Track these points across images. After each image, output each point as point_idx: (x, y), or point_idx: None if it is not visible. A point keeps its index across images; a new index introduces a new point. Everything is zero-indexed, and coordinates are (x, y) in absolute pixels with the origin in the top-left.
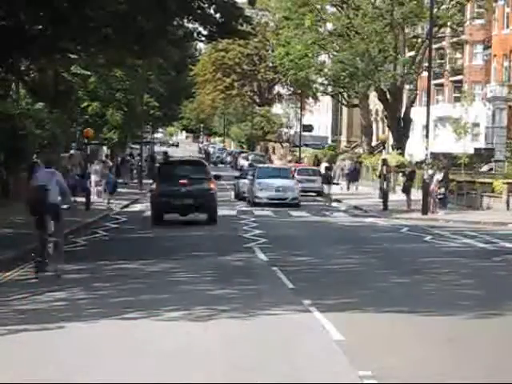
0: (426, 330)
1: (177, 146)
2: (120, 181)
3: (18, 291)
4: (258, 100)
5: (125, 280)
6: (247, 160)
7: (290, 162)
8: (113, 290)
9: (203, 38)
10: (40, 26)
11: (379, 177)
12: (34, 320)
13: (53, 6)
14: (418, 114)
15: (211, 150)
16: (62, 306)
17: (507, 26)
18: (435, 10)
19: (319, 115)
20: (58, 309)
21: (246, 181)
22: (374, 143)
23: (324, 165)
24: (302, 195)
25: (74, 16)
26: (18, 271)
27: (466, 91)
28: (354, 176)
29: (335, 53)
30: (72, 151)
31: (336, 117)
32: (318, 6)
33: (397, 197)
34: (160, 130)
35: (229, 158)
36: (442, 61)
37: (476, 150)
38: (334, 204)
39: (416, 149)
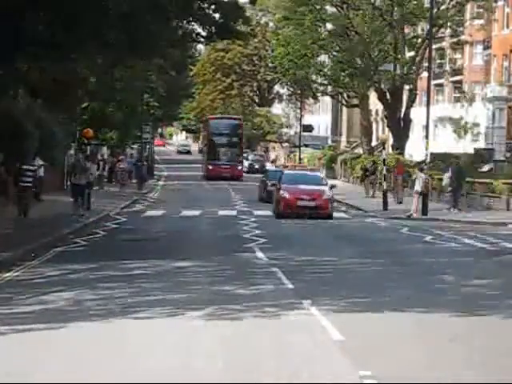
0: (427, 330)
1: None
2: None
3: (20, 291)
4: (257, 100)
5: (125, 280)
6: (247, 160)
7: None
8: (114, 290)
9: (202, 40)
10: (40, 27)
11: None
12: (38, 320)
13: (52, 6)
14: (418, 114)
15: None
16: (66, 305)
17: (507, 26)
18: (435, 10)
19: (319, 115)
20: (62, 309)
21: None
22: (373, 143)
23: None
24: None
25: (74, 16)
26: (19, 271)
27: (466, 91)
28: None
29: (335, 53)
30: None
31: (336, 117)
32: (318, 6)
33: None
34: (159, 129)
35: None
36: (442, 61)
37: (476, 149)
38: (334, 204)
39: (416, 149)
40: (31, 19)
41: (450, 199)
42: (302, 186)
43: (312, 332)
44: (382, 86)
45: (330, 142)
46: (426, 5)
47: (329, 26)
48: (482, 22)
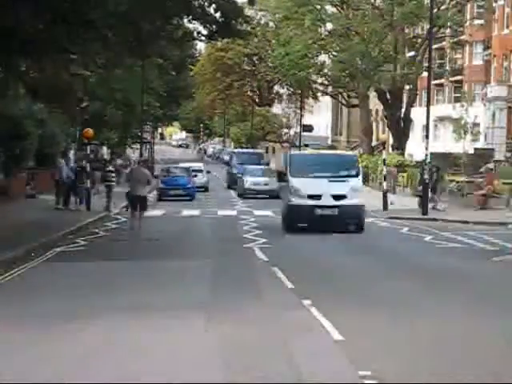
0: (427, 330)
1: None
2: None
3: (20, 292)
4: (257, 100)
5: (125, 280)
6: None
7: None
8: (115, 290)
9: (203, 38)
10: (40, 26)
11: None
12: (38, 321)
13: (52, 6)
14: (418, 114)
15: (210, 149)
16: (64, 306)
17: (507, 26)
18: (435, 10)
19: (319, 115)
20: (60, 309)
21: None
22: (374, 143)
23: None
24: None
25: (74, 16)
26: (19, 271)
27: (466, 91)
28: None
29: (335, 53)
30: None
31: (336, 117)
32: (318, 6)
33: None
34: (159, 130)
35: (227, 158)
36: (442, 61)
37: (476, 149)
38: None
39: (416, 149)
40: (31, 18)
41: (432, 199)
42: None
43: (312, 332)
44: (382, 86)
45: (329, 142)
46: (426, 5)
47: (329, 25)
48: (482, 21)
